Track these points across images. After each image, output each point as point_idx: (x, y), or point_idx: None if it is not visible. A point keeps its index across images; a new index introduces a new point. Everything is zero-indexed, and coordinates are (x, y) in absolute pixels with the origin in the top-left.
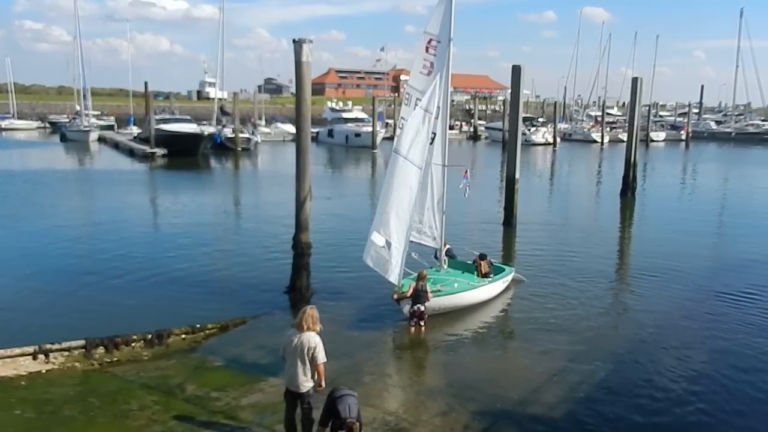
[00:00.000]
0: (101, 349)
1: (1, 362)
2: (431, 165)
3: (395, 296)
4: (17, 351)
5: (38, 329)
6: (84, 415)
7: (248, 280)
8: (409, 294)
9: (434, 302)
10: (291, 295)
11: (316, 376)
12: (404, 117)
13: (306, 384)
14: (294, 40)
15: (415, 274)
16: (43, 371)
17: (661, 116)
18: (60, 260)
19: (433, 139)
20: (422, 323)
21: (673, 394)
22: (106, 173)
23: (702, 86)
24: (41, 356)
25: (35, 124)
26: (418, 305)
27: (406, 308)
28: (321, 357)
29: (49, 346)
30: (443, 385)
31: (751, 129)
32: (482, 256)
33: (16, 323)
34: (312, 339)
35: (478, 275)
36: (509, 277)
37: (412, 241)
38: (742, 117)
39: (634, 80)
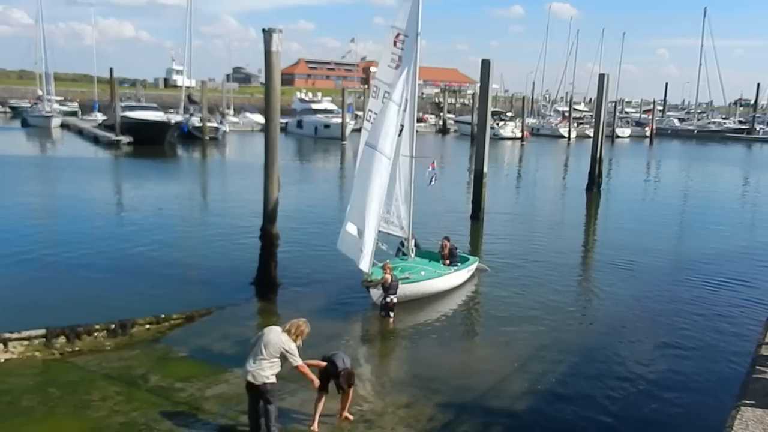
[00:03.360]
0: (62, 339)
1: None
2: (399, 156)
3: (365, 283)
4: None
5: None
6: (44, 405)
7: (214, 271)
8: (380, 283)
9: (402, 289)
10: (257, 286)
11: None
12: (372, 109)
13: (266, 378)
14: (264, 30)
15: (381, 264)
16: (2, 360)
17: (626, 113)
18: (20, 248)
19: (401, 131)
20: (391, 314)
21: (635, 384)
22: (69, 160)
23: (666, 84)
24: (0, 345)
25: None
26: (391, 297)
27: (375, 295)
28: (293, 362)
29: (8, 335)
30: (409, 377)
31: (712, 127)
32: (447, 238)
33: None
34: (288, 343)
35: (443, 264)
36: (473, 267)
37: (380, 231)
38: (704, 115)
39: (601, 76)
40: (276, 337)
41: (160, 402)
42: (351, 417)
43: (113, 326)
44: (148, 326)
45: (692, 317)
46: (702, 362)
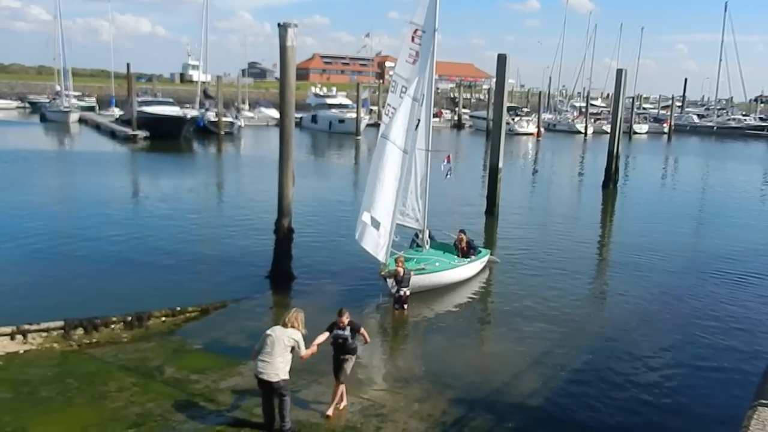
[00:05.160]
0: (80, 331)
1: None
2: (415, 150)
3: (382, 273)
4: None
5: (16, 309)
6: (62, 395)
7: (229, 265)
8: (392, 276)
9: (417, 280)
10: (272, 280)
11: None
12: (391, 104)
13: (279, 375)
14: (279, 24)
15: (399, 254)
16: (21, 352)
17: (644, 108)
18: (40, 241)
19: (417, 125)
20: (405, 306)
21: (649, 382)
22: (87, 154)
23: (685, 80)
24: (19, 337)
25: (15, 103)
26: (404, 290)
27: (390, 283)
28: (301, 352)
29: (27, 326)
30: (422, 371)
31: (732, 123)
32: (463, 231)
33: None
34: (293, 334)
35: (458, 255)
36: (486, 259)
37: (396, 223)
38: (724, 111)
39: (619, 72)
40: (282, 333)
41: (176, 393)
42: (342, 406)
43: (130, 318)
44: (163, 319)
45: (709, 315)
46: (719, 360)
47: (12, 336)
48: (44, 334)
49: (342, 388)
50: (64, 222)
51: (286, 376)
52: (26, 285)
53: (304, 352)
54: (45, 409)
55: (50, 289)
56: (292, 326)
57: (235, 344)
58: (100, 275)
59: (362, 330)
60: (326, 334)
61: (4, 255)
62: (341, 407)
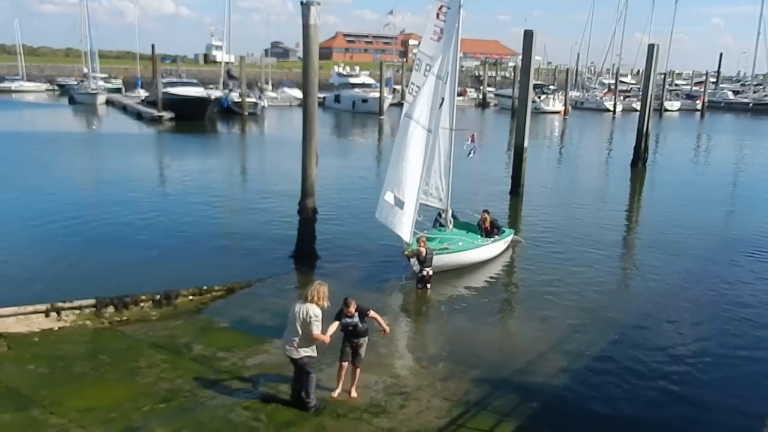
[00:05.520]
0: (111, 309)
1: (15, 319)
2: (439, 129)
3: (405, 253)
4: (30, 309)
5: (49, 288)
6: (95, 371)
7: (254, 244)
8: (415, 256)
9: (440, 260)
10: (296, 259)
11: (311, 346)
12: (415, 83)
13: (299, 351)
14: (302, 2)
15: (420, 234)
16: (55, 328)
17: (676, 85)
18: (70, 221)
19: (441, 103)
20: (428, 285)
21: (675, 367)
22: (115, 136)
23: (720, 54)
24: (53, 314)
25: (44, 86)
26: (427, 269)
27: (413, 263)
28: (315, 329)
29: (60, 304)
30: (445, 351)
31: None
32: (486, 211)
33: (28, 281)
34: (312, 310)
35: (482, 235)
36: (509, 238)
37: (419, 203)
38: (761, 87)
39: (650, 47)
40: (302, 308)
41: (204, 370)
42: (356, 395)
43: (158, 297)
44: (191, 297)
45: (739, 300)
46: (747, 348)
47: (47, 313)
48: (77, 311)
49: (357, 372)
50: (92, 202)
51: (310, 353)
52: (58, 264)
53: (316, 331)
54: (79, 383)
55: (81, 268)
56: (313, 300)
57: (260, 323)
58: (128, 254)
59: (371, 313)
60: (336, 324)
61: (36, 235)
62: (353, 394)
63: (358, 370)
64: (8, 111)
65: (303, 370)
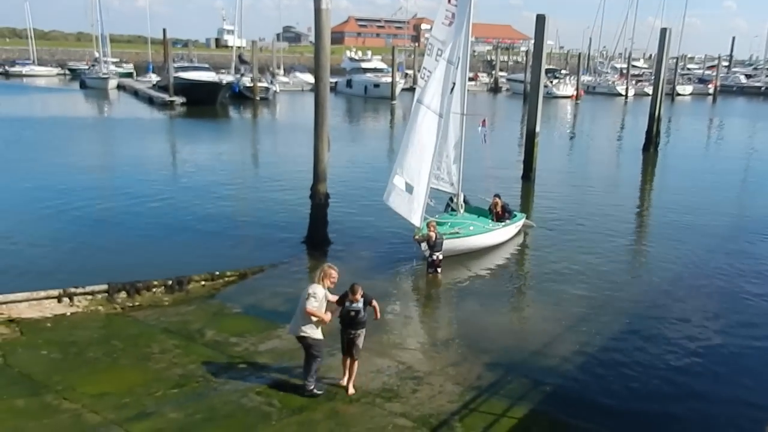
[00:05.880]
0: (123, 294)
1: (27, 304)
2: (450, 114)
3: (416, 237)
4: (42, 294)
5: (62, 273)
6: (107, 356)
7: (266, 230)
8: (425, 240)
9: (451, 244)
10: (308, 245)
11: (314, 326)
12: (426, 67)
13: (301, 329)
14: None
15: (430, 219)
16: (68, 314)
17: (689, 69)
18: (81, 206)
19: (452, 88)
20: (438, 270)
21: (685, 353)
22: (126, 121)
23: (733, 38)
24: (66, 299)
25: (55, 70)
26: (437, 254)
27: (423, 247)
28: (308, 304)
29: (73, 290)
30: (457, 335)
31: None
32: (498, 195)
33: (41, 267)
34: (313, 288)
35: (493, 219)
36: (520, 223)
37: (430, 187)
38: None
39: (663, 31)
40: (307, 288)
41: (216, 355)
42: (353, 391)
43: (170, 282)
44: (203, 283)
45: (751, 285)
46: (761, 337)
47: (59, 299)
48: (89, 297)
49: (356, 364)
50: (104, 187)
51: (313, 335)
52: (70, 249)
53: (309, 307)
54: (92, 369)
55: (93, 253)
56: (318, 280)
57: (272, 308)
58: (140, 240)
59: (374, 302)
60: (337, 307)
61: (48, 220)
62: (350, 391)
63: (356, 363)
64: (20, 95)
65: (308, 353)
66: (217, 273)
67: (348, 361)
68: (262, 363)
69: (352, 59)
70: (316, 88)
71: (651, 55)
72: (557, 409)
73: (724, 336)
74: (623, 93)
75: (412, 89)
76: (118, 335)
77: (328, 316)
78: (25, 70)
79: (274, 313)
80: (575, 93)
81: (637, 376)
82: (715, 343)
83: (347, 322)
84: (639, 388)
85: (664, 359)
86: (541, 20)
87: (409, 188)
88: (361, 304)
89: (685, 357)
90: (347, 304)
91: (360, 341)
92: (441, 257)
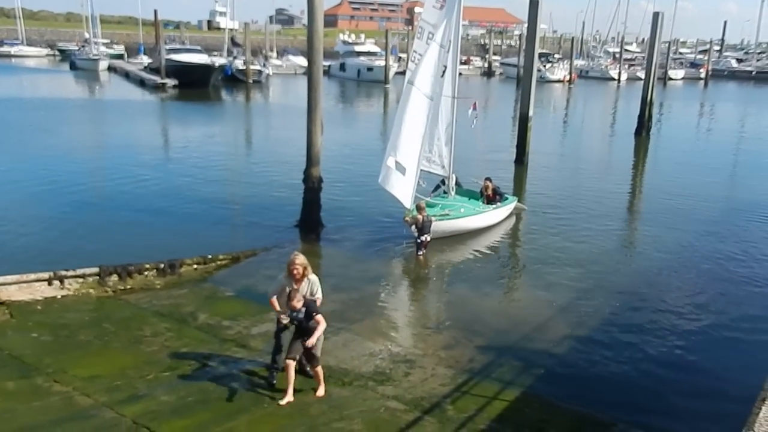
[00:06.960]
0: (115, 277)
1: (17, 287)
2: (442, 97)
3: (406, 219)
4: (33, 276)
5: (52, 256)
6: (99, 339)
7: (259, 213)
8: (414, 223)
9: (440, 225)
10: (301, 228)
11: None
12: (417, 50)
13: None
14: None
15: (424, 200)
16: (59, 297)
17: (681, 54)
18: (72, 189)
19: (443, 72)
20: (423, 251)
21: (675, 335)
22: (117, 103)
23: (725, 22)
24: (56, 282)
25: (45, 51)
26: (426, 236)
27: (413, 229)
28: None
29: (63, 272)
30: (449, 318)
31: None
32: (488, 179)
33: (31, 249)
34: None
35: (483, 202)
36: (512, 206)
37: (422, 170)
38: (764, 55)
39: (655, 15)
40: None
41: (209, 339)
42: (323, 393)
43: (162, 266)
44: (195, 266)
45: (741, 269)
46: (748, 318)
47: (50, 281)
48: (80, 280)
49: (319, 371)
50: (94, 170)
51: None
52: (60, 232)
53: (269, 294)
54: (83, 352)
55: (83, 236)
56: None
57: (265, 291)
58: (131, 223)
59: (318, 317)
60: (274, 298)
61: (38, 202)
62: (319, 392)
63: (318, 369)
64: (8, 75)
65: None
66: (210, 256)
67: (295, 369)
68: (254, 346)
69: (345, 42)
70: (309, 72)
71: (644, 40)
72: (549, 391)
73: (715, 316)
74: (616, 77)
75: (405, 73)
76: (110, 318)
77: (272, 305)
78: (13, 50)
79: (267, 296)
80: (568, 77)
81: (627, 360)
82: (706, 324)
83: (296, 328)
84: (630, 370)
85: (655, 341)
86: (534, 4)
87: (401, 169)
88: (303, 315)
89: (677, 338)
90: (289, 311)
91: (317, 351)
92: (429, 239)
